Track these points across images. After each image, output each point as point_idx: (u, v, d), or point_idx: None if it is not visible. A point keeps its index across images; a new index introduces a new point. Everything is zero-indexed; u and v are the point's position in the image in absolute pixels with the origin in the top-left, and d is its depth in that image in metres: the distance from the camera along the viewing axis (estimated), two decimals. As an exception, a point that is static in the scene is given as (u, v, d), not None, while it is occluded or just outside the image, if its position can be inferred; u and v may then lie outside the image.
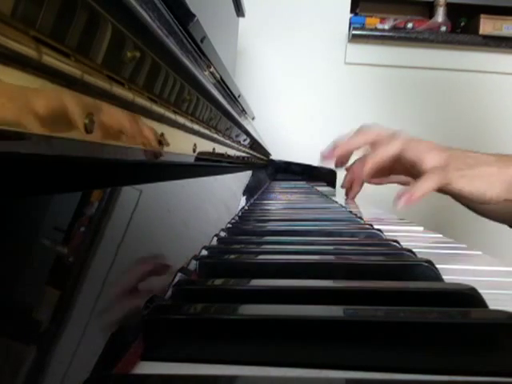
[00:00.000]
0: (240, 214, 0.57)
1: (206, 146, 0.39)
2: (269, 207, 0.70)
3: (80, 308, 0.15)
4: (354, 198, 0.90)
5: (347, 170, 0.84)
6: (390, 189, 0.65)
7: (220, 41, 0.76)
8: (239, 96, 0.76)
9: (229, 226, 0.46)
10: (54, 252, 0.15)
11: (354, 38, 1.61)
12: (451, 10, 1.63)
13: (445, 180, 0.53)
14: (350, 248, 0.35)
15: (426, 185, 0.53)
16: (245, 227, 0.47)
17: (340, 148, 0.65)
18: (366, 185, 0.86)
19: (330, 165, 0.70)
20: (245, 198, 0.72)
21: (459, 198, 0.59)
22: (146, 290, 0.21)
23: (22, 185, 0.14)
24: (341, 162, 0.70)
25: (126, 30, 0.17)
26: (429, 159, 0.56)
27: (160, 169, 0.30)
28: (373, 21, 1.62)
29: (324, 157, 0.66)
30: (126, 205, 0.21)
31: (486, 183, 0.54)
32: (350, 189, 0.90)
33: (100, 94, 0.16)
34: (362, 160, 0.68)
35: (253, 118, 1.21)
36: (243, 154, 0.74)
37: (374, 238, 0.42)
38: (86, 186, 0.17)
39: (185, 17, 0.34)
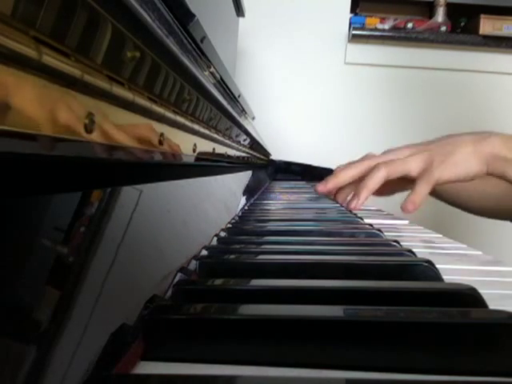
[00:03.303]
0: (240, 213, 0.57)
1: (206, 145, 0.39)
2: (269, 207, 0.70)
3: (80, 308, 0.15)
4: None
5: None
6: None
7: (220, 41, 0.76)
8: (239, 96, 0.76)
9: (229, 225, 0.45)
10: (54, 252, 0.15)
11: (354, 38, 1.61)
12: (451, 10, 1.63)
13: (434, 180, 0.58)
14: (349, 248, 0.35)
15: (421, 191, 0.58)
16: (245, 227, 0.46)
17: (332, 183, 0.71)
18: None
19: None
20: (245, 197, 0.72)
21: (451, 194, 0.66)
22: (146, 290, 0.21)
23: (22, 185, 0.14)
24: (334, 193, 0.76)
25: (126, 29, 0.17)
26: (413, 167, 0.60)
27: (160, 169, 0.30)
28: (373, 21, 1.62)
29: (319, 192, 0.73)
30: (125, 205, 0.21)
31: (466, 164, 0.59)
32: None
33: (100, 94, 0.16)
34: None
35: (253, 118, 1.21)
36: (243, 154, 0.74)
37: (374, 238, 0.42)
38: (86, 186, 0.17)
39: (185, 17, 0.34)
